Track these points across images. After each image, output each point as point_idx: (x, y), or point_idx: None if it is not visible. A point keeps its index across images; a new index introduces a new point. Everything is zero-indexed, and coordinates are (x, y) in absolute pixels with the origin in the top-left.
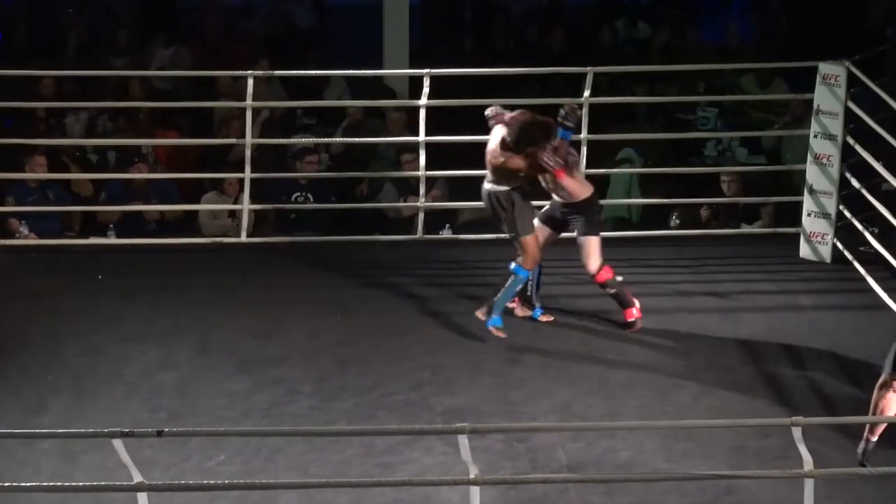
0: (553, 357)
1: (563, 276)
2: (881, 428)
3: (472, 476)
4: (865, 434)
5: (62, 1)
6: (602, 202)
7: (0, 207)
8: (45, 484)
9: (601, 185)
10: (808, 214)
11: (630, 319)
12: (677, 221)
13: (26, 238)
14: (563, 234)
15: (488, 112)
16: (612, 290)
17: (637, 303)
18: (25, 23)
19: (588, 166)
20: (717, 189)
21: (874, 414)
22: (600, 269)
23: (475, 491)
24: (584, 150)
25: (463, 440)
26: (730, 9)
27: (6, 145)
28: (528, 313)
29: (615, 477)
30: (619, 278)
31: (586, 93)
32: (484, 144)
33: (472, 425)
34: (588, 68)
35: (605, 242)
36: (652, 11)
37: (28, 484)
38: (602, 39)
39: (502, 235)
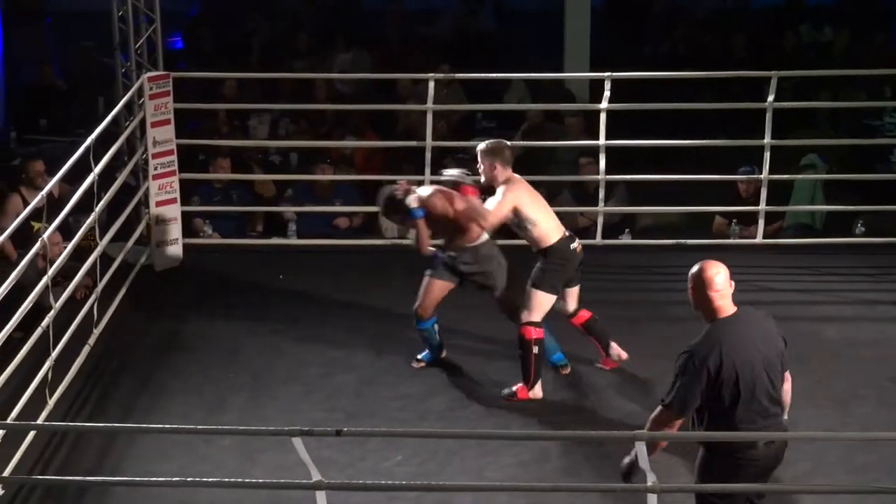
0: None
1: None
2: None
3: (649, 483)
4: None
5: (246, 7)
6: (785, 208)
7: (185, 207)
8: (225, 480)
9: (785, 191)
10: None
11: None
12: (862, 229)
13: (210, 237)
14: None
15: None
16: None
17: None
18: (210, 29)
19: (771, 172)
20: None
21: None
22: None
23: (653, 498)
24: (767, 155)
25: (640, 446)
26: None
27: (192, 147)
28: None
29: (795, 488)
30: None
31: (770, 97)
32: (663, 150)
33: (650, 432)
34: (772, 72)
35: (788, 249)
36: (837, 15)
37: (209, 479)
38: (785, 44)
39: (683, 241)
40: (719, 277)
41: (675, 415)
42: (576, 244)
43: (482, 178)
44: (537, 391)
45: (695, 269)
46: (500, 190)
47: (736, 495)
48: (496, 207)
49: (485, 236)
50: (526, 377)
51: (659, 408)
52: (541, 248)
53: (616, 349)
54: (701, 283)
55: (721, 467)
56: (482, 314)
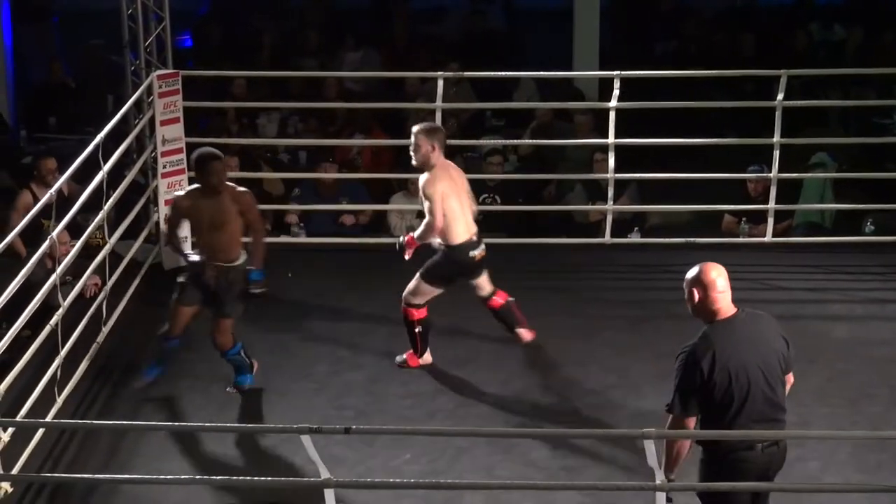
0: None
1: (751, 281)
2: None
3: (657, 481)
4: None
5: (254, 6)
6: (794, 207)
7: None
8: (234, 478)
9: (794, 190)
10: None
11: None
12: (872, 228)
13: None
14: None
15: None
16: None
17: None
18: (219, 27)
19: (780, 170)
20: None
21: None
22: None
23: (661, 497)
24: (776, 154)
25: (649, 445)
26: None
27: (201, 145)
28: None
29: (805, 486)
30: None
31: (779, 96)
32: (672, 148)
33: (659, 430)
34: (782, 71)
35: (797, 248)
36: (846, 14)
37: (217, 477)
38: (795, 42)
39: (692, 240)
40: (720, 279)
41: (678, 415)
42: (477, 251)
43: (414, 161)
44: (427, 357)
45: (693, 272)
46: (427, 181)
47: (735, 497)
48: (435, 208)
49: (243, 257)
50: (413, 347)
51: (668, 417)
52: (445, 242)
53: (522, 332)
54: (702, 285)
55: (716, 470)
56: (487, 314)
